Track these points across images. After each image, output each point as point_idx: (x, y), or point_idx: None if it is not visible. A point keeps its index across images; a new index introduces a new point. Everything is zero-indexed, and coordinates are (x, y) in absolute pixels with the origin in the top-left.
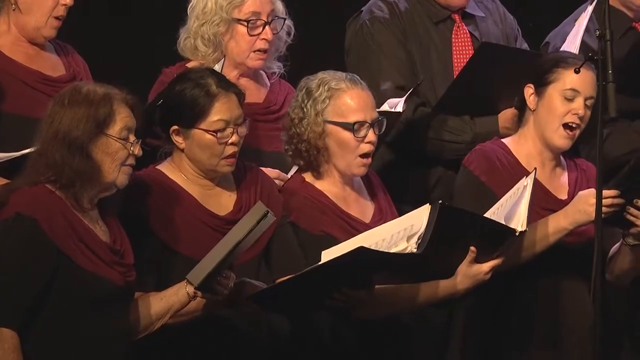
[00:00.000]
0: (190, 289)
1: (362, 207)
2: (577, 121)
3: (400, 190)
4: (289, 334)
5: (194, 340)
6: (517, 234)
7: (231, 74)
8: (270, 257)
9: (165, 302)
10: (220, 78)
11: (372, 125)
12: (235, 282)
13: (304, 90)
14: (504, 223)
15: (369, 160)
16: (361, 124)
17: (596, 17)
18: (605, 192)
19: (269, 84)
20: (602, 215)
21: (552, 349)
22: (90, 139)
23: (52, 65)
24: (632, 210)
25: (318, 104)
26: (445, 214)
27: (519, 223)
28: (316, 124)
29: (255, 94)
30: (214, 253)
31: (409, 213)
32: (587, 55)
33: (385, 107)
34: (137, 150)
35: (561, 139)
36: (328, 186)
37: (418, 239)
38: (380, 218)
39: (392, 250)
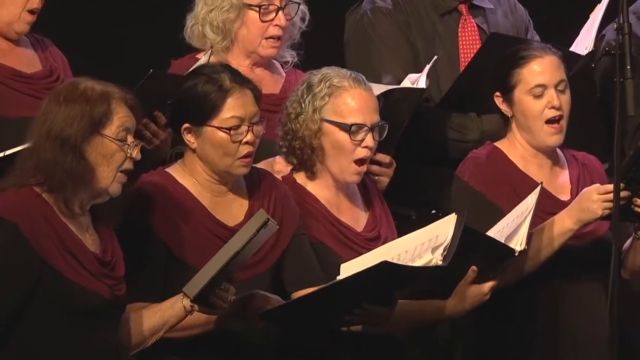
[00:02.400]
0: (187, 302)
1: (355, 215)
2: (557, 113)
3: (403, 193)
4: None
5: (195, 349)
6: (516, 254)
7: (244, 64)
8: (284, 270)
9: (160, 316)
10: (234, 73)
11: (371, 129)
12: (245, 295)
13: (305, 84)
14: (504, 242)
15: (364, 168)
16: (359, 126)
17: None
18: (608, 187)
19: (284, 74)
20: (608, 210)
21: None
22: (84, 138)
23: (27, 61)
24: (639, 201)
25: (317, 100)
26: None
27: (518, 242)
28: (313, 121)
29: (271, 84)
30: (211, 264)
31: (434, 223)
32: (605, 50)
33: (406, 83)
34: (135, 153)
35: (551, 137)
36: (320, 190)
37: (444, 251)
38: (374, 227)
39: (417, 263)
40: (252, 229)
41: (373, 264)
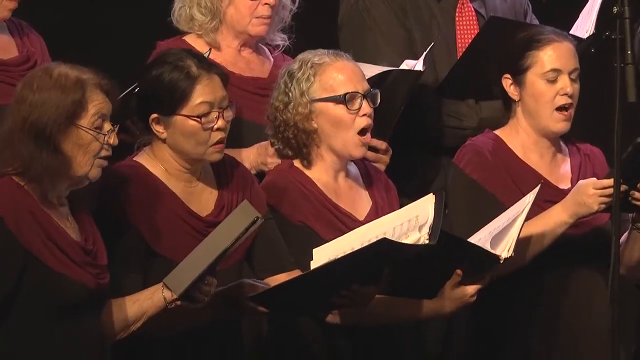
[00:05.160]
0: (168, 294)
1: (355, 202)
2: (569, 100)
3: (399, 181)
4: (278, 345)
5: (170, 346)
6: (501, 261)
7: (232, 44)
8: (254, 257)
9: (139, 306)
10: (200, 59)
11: (364, 96)
12: (232, 285)
13: (285, 75)
14: (489, 249)
15: (368, 138)
16: (353, 94)
17: None
18: (604, 182)
19: (272, 59)
20: (604, 205)
21: (564, 353)
22: (60, 130)
23: (3, 46)
24: (637, 194)
25: (302, 83)
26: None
27: (505, 248)
28: (302, 105)
29: (259, 68)
30: (197, 259)
31: (411, 204)
32: (605, 34)
33: (403, 66)
34: (112, 139)
35: (558, 124)
36: (318, 175)
37: (429, 229)
38: (376, 218)
39: (405, 241)
40: (239, 224)
41: (372, 241)
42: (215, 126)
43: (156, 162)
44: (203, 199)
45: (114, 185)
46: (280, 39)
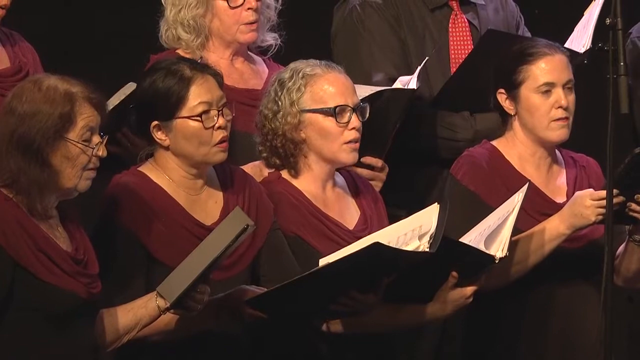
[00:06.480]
0: (162, 302)
1: (343, 212)
2: (564, 114)
3: (394, 193)
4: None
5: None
6: (497, 261)
7: (224, 56)
8: (261, 267)
9: (133, 315)
10: (192, 62)
11: (354, 110)
12: (232, 291)
13: (276, 83)
14: (484, 250)
15: (357, 145)
16: (343, 107)
17: None
18: (601, 193)
19: (267, 70)
20: (602, 216)
21: None
22: (48, 143)
23: None
24: (634, 206)
25: (293, 93)
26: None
27: (499, 248)
28: (292, 114)
29: (253, 79)
30: (189, 267)
31: (417, 213)
32: (597, 46)
33: (397, 85)
34: (100, 151)
35: (556, 132)
36: (306, 185)
37: (430, 238)
38: (365, 227)
39: (405, 249)
40: (230, 231)
41: (364, 246)
42: (217, 125)
43: (160, 172)
44: (208, 208)
45: (116, 195)
46: (272, 39)
